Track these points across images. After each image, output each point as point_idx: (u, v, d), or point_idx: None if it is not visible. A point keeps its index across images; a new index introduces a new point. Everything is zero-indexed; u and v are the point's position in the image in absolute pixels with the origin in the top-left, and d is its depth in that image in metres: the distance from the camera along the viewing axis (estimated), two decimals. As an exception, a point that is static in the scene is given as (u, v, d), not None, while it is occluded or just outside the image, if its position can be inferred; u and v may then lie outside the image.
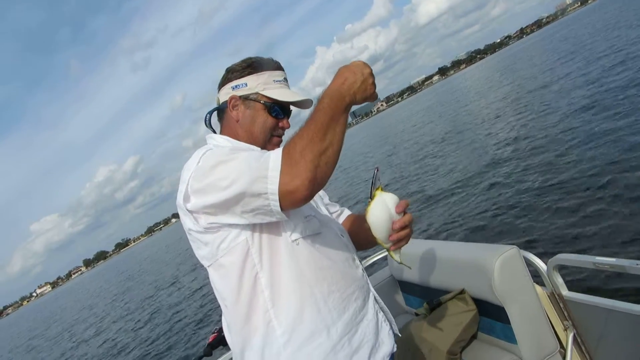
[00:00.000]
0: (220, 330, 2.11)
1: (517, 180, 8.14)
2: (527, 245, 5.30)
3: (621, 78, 12.56)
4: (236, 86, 1.35)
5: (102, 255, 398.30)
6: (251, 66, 1.36)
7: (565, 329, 2.01)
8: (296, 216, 1.25)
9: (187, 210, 1.18)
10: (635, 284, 3.67)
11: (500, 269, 1.87)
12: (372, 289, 1.40)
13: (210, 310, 10.74)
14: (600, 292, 1.98)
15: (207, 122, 1.44)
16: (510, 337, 1.94)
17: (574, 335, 1.98)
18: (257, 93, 1.34)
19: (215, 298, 1.31)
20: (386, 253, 2.75)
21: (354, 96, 1.11)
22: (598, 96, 11.65)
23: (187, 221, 1.22)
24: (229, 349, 2.15)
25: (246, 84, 1.34)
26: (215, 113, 1.44)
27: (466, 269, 2.07)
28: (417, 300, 2.56)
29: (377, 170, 1.23)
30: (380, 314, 1.37)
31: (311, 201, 1.32)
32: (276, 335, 1.20)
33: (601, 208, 5.48)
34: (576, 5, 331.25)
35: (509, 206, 7.09)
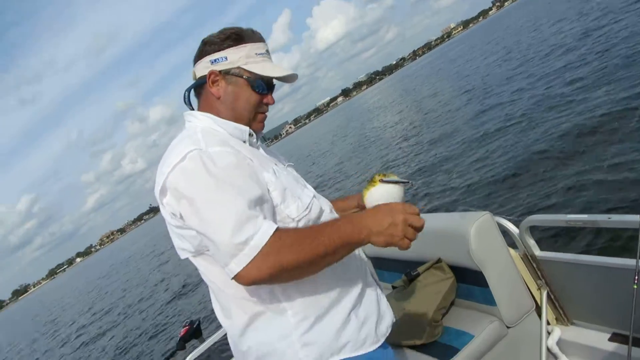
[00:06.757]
0: (192, 323, 1.94)
1: (481, 153, 8.78)
2: (498, 210, 5.52)
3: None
4: (215, 60, 1.23)
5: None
6: (230, 38, 1.23)
7: (539, 288, 2.07)
8: (299, 199, 1.20)
9: (163, 203, 1.12)
10: (608, 238, 3.84)
11: (476, 234, 1.90)
12: (367, 261, 1.39)
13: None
14: (575, 249, 2.07)
15: (187, 100, 1.32)
16: (490, 300, 1.98)
17: (547, 292, 2.05)
18: (239, 67, 1.23)
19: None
20: None
21: (367, 240, 1.09)
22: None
23: (164, 213, 1.15)
24: (201, 342, 1.97)
25: (226, 58, 1.22)
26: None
27: (441, 238, 2.09)
28: (393, 274, 2.55)
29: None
30: (377, 287, 1.37)
31: (300, 177, 1.32)
32: (287, 316, 1.16)
33: (565, 169, 5.85)
34: (459, 28, 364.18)
35: (475, 176, 7.53)
